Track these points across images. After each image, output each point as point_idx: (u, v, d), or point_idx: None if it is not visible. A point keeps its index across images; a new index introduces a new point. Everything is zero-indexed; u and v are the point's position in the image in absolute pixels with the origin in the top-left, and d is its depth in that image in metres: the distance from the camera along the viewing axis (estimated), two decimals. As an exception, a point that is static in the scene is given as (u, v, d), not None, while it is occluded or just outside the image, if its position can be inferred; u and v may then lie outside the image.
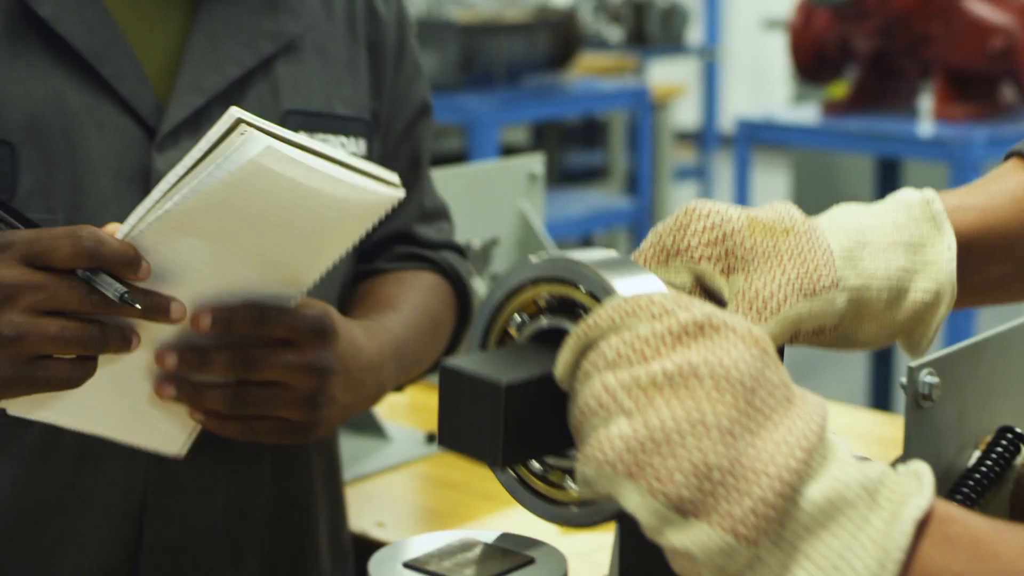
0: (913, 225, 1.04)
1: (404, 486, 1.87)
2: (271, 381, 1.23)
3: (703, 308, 0.79)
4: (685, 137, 9.23)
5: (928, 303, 1.03)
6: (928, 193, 1.06)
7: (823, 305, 0.99)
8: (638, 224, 5.45)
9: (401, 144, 1.54)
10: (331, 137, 1.43)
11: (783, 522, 0.74)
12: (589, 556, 1.38)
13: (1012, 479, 1.19)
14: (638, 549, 1.04)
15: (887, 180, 5.24)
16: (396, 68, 1.53)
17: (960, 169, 4.14)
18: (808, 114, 4.82)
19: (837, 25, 4.51)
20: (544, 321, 0.90)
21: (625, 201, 5.75)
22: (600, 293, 0.86)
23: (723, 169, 7.76)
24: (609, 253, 0.90)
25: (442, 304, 1.54)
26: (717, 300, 1.00)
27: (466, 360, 0.90)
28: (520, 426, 0.88)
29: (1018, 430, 1.20)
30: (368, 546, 1.59)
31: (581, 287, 0.87)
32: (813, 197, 7.71)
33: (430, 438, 1.95)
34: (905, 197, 1.06)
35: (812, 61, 4.66)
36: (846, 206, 1.06)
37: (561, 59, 5.13)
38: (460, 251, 1.63)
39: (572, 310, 0.89)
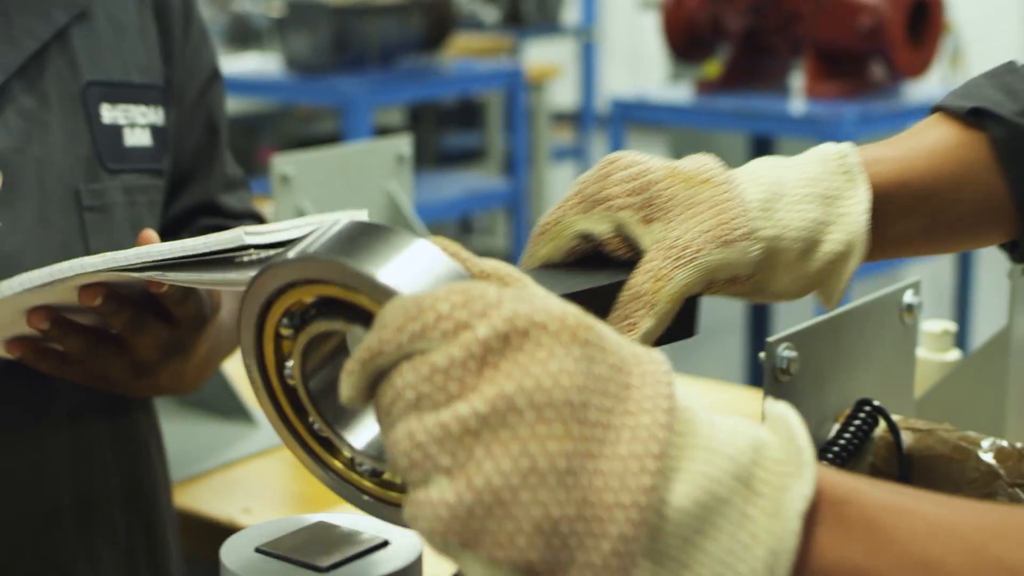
0: (828, 178, 1.04)
1: (272, 472, 1.85)
2: (124, 339, 1.22)
3: (503, 308, 0.67)
4: (563, 118, 9.25)
5: (840, 254, 1.04)
6: (845, 147, 1.07)
7: (738, 254, 0.99)
8: (515, 205, 5.45)
9: (195, 112, 1.51)
10: (132, 107, 1.40)
11: (655, 537, 0.65)
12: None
13: (871, 451, 1.20)
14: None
15: (760, 157, 5.28)
16: (184, 33, 1.50)
17: (831, 146, 4.18)
18: (681, 93, 4.84)
19: (709, 4, 4.53)
20: (319, 326, 0.78)
21: (502, 182, 5.75)
22: (371, 293, 0.72)
23: (601, 149, 7.78)
24: (359, 220, 0.75)
25: None
26: (636, 248, 1.01)
27: None
28: None
29: (876, 403, 1.21)
30: (234, 533, 1.58)
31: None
32: (690, 176, 7.75)
33: (298, 422, 1.93)
34: (823, 150, 1.07)
35: (685, 40, 4.69)
36: (765, 159, 1.07)
37: (435, 40, 5.11)
38: (262, 220, 1.62)
39: (345, 308, 0.76)
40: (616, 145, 4.69)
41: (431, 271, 0.71)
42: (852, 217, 1.04)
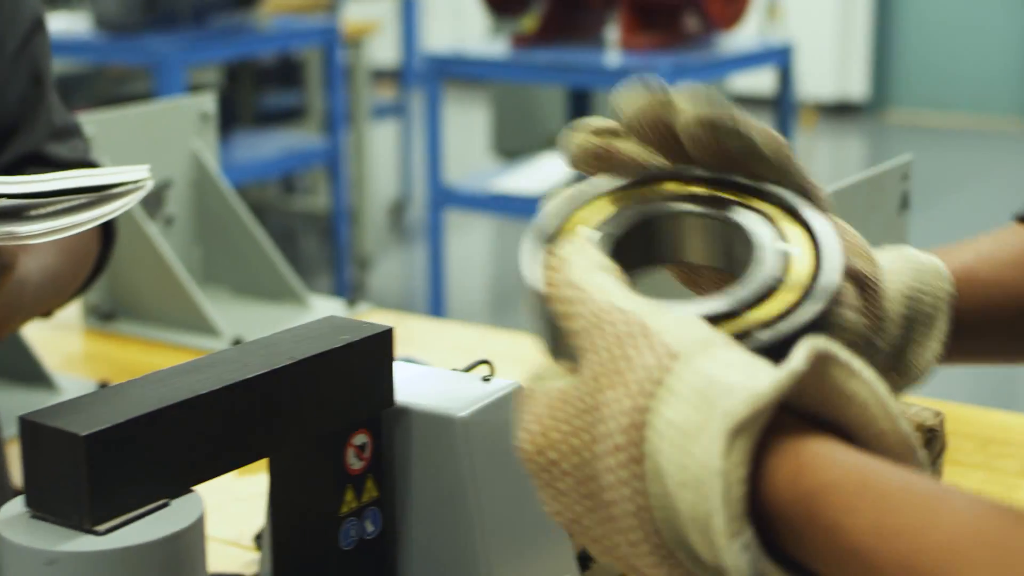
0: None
1: (76, 438, 1.82)
2: None
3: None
4: (385, 75, 9.21)
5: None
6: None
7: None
8: (334, 164, 5.40)
9: (19, 62, 1.47)
10: None
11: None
12: (249, 501, 1.36)
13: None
14: (289, 493, 1.03)
15: (578, 111, 5.31)
16: None
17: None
18: (498, 48, 4.84)
19: (523, -42, 4.54)
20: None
21: (322, 141, 5.69)
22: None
23: (420, 106, 7.77)
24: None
25: (86, 231, 1.51)
26: None
27: (49, 410, 0.86)
28: (111, 478, 0.85)
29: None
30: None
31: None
32: (511, 130, 7.78)
33: (102, 387, 1.90)
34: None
35: (500, -6, 4.68)
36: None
37: (249, -3, 5.05)
38: (96, 167, 1.59)
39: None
40: (433, 102, 4.67)
41: None
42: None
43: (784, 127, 4.91)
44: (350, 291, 5.49)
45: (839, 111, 9.90)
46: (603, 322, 0.71)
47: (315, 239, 6.79)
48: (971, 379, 3.24)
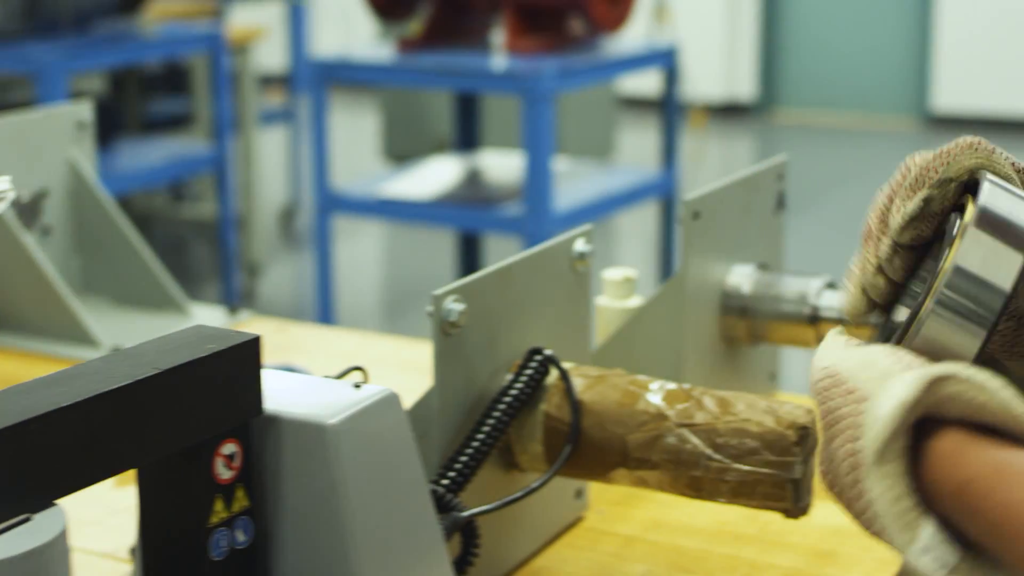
0: None
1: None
2: None
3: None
4: (274, 81, 9.16)
5: None
6: None
7: None
8: (221, 171, 5.36)
9: None
10: None
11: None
12: (126, 514, 1.35)
13: (544, 399, 1.21)
14: (158, 504, 1.02)
15: (466, 114, 5.31)
16: None
17: (532, 101, 4.22)
18: (385, 52, 4.82)
19: (408, -38, 4.53)
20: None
21: (209, 148, 5.65)
22: None
23: (307, 112, 7.74)
24: None
25: None
26: None
27: None
28: (18, 473, 0.83)
29: (547, 351, 1.22)
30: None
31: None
32: (400, 134, 7.77)
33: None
34: None
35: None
36: None
37: (132, 3, 4.99)
38: None
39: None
40: (320, 107, 4.65)
41: None
42: None
43: (671, 128, 4.94)
44: (239, 299, 5.45)
45: (728, 112, 9.99)
46: (813, 381, 0.89)
47: (205, 247, 6.73)
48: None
